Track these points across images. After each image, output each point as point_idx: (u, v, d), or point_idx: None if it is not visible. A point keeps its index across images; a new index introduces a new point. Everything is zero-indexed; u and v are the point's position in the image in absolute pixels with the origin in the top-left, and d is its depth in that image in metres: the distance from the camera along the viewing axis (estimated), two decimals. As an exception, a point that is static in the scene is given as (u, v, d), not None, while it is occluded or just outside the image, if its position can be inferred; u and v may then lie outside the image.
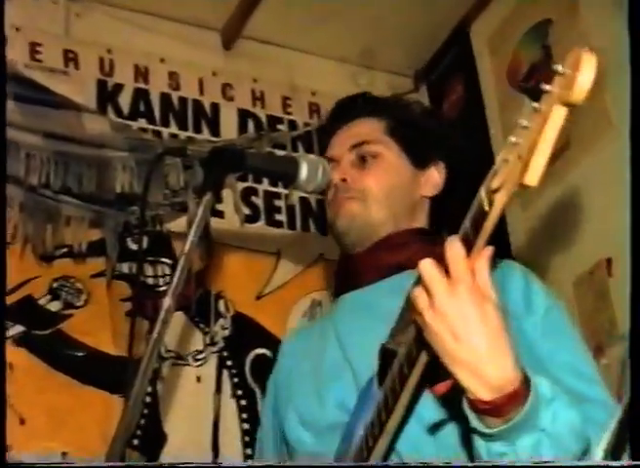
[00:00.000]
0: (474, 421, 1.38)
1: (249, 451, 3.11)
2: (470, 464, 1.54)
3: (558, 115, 1.22)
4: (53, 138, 3.06)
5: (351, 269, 1.91)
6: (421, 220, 1.93)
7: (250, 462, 2.02)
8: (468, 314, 1.34)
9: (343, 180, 1.89)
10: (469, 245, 1.33)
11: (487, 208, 1.29)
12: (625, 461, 0.96)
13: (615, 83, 2.89)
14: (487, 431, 1.37)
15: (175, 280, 1.94)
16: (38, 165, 3.04)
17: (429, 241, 1.86)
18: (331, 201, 1.92)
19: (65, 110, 3.13)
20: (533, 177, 1.25)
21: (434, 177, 1.94)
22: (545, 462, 1.40)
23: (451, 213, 1.95)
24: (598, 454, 1.11)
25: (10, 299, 2.97)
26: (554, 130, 1.23)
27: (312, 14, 3.50)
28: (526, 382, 1.37)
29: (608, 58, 2.91)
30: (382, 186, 1.88)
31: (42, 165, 3.04)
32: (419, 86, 3.80)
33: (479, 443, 1.41)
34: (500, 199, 1.28)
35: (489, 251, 1.36)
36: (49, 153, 3.05)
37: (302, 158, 1.79)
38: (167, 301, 1.93)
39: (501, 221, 3.31)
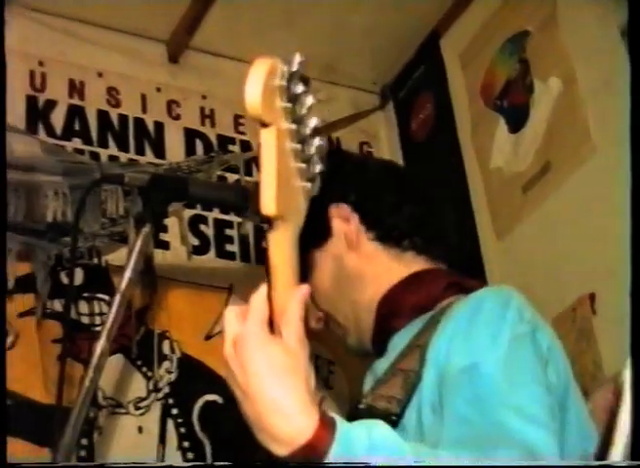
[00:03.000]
0: None
1: (195, 511, 3.10)
2: (469, 464, 1.50)
3: (264, 137, 1.27)
4: None
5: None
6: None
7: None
8: (250, 363, 1.33)
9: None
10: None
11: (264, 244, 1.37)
12: (625, 461, 0.95)
13: (596, 99, 2.92)
14: None
15: (110, 320, 1.93)
16: None
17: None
18: None
19: (-11, 130, 3.11)
20: (266, 206, 1.29)
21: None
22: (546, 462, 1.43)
23: None
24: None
25: None
26: (266, 152, 1.27)
27: (267, 22, 3.50)
28: (331, 429, 1.32)
29: (589, 74, 2.96)
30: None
31: None
32: (385, 103, 3.81)
33: None
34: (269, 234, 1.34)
35: (302, 291, 1.36)
36: None
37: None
38: (101, 344, 1.92)
39: (477, 252, 3.33)
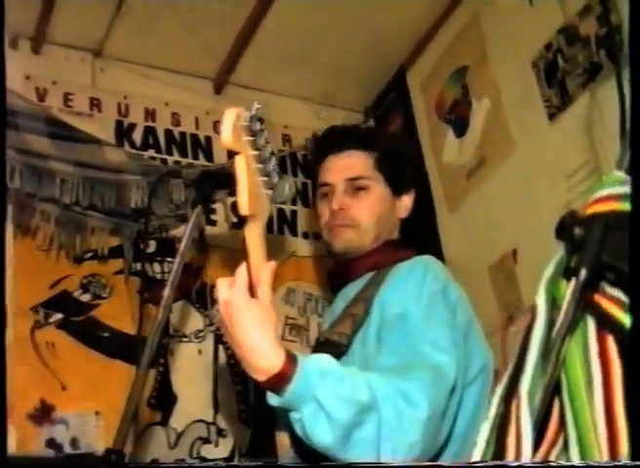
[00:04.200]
0: (267, 397, 1.38)
1: (242, 407, 3.09)
2: (469, 464, 1.51)
3: (236, 162, 1.36)
4: (81, 167, 3.02)
5: (342, 272, 1.91)
6: (395, 234, 1.94)
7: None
8: (237, 319, 1.35)
9: (341, 209, 1.87)
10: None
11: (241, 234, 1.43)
12: (625, 461, 0.89)
13: (515, 111, 2.91)
14: (276, 403, 1.37)
15: (172, 273, 1.94)
16: (70, 187, 2.99)
17: (398, 248, 1.88)
18: (328, 224, 1.90)
19: (91, 144, 3.09)
20: (241, 208, 1.37)
21: (407, 203, 1.95)
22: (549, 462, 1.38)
23: (412, 225, 1.98)
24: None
25: (50, 293, 2.97)
26: (239, 172, 1.35)
27: (286, 63, 3.47)
28: (293, 362, 1.35)
29: (510, 94, 2.94)
30: (372, 216, 1.87)
31: (73, 187, 2.99)
32: (367, 120, 3.77)
33: (284, 414, 1.41)
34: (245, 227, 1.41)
35: (270, 266, 1.40)
36: (78, 178, 3.00)
37: None
38: (167, 291, 1.92)
39: (433, 222, 3.32)
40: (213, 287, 3.16)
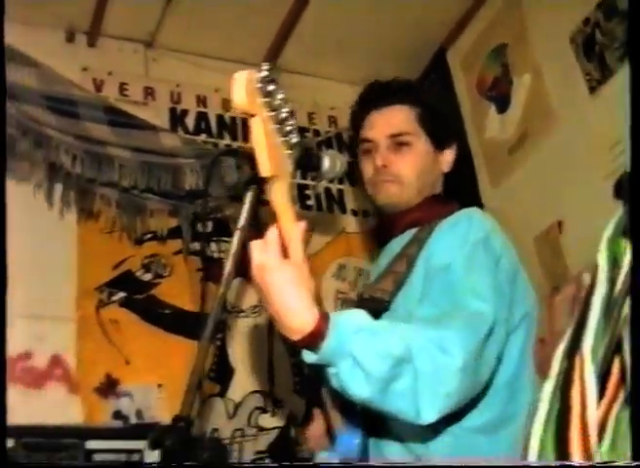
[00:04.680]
0: (303, 355, 1.36)
1: (297, 379, 3.12)
2: (469, 464, 1.48)
3: (253, 124, 1.31)
4: (138, 152, 3.05)
5: (386, 227, 1.85)
6: (438, 188, 1.85)
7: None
8: (270, 280, 1.32)
9: (384, 166, 1.79)
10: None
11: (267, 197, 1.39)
12: (625, 461, 0.86)
13: (556, 86, 2.87)
14: (312, 360, 1.34)
15: (232, 250, 1.94)
16: (128, 172, 3.02)
17: (442, 203, 1.80)
18: (372, 180, 1.83)
19: (147, 131, 3.13)
20: (263, 170, 1.32)
21: (449, 157, 1.85)
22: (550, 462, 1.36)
23: (456, 180, 1.89)
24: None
25: (114, 273, 3.02)
26: (256, 134, 1.30)
27: (326, 49, 3.47)
28: (327, 320, 1.33)
29: (550, 69, 2.91)
30: (414, 171, 1.79)
31: (131, 172, 3.03)
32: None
33: (324, 370, 1.37)
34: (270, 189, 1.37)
35: (300, 226, 1.37)
36: (136, 163, 3.04)
37: (325, 154, 1.69)
38: (227, 267, 1.92)
39: (475, 195, 3.30)
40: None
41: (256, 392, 3.08)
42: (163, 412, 2.80)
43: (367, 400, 1.36)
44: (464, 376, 1.39)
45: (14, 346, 2.73)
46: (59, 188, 2.98)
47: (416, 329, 1.43)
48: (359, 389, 1.34)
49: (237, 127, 3.46)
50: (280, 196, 1.37)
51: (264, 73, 1.30)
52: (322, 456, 1.62)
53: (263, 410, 3.07)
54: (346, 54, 3.51)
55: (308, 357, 1.34)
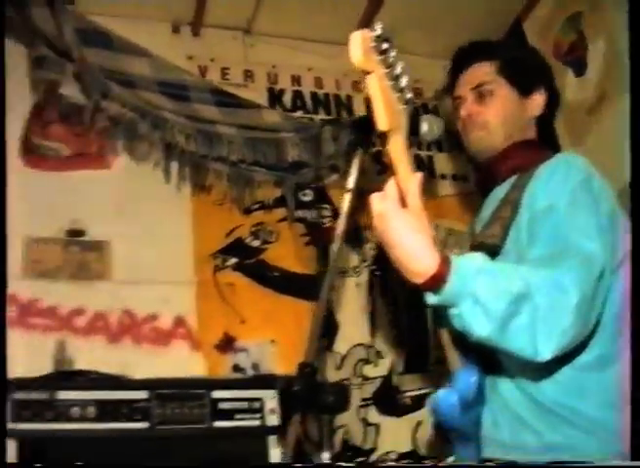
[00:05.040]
0: (426, 298, 1.37)
1: (395, 332, 3.21)
2: (471, 464, 1.53)
3: (369, 81, 1.32)
4: (244, 128, 3.14)
5: (486, 176, 1.87)
6: (531, 134, 1.86)
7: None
8: (392, 228, 1.35)
9: (469, 116, 1.85)
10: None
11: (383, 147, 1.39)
12: (625, 461, 0.84)
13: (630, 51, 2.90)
14: (435, 302, 1.36)
15: (344, 212, 1.88)
16: (236, 147, 3.11)
17: (537, 148, 1.82)
18: (462, 131, 1.90)
19: (250, 109, 3.22)
20: (381, 124, 1.33)
21: (538, 101, 1.87)
22: (553, 462, 1.38)
23: (551, 125, 1.93)
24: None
25: (226, 241, 3.15)
26: (372, 90, 1.32)
27: (411, 26, 3.49)
28: (448, 263, 1.34)
29: (623, 35, 2.92)
30: (498, 116, 1.83)
31: (238, 147, 3.12)
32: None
33: (443, 312, 1.40)
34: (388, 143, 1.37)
35: (417, 176, 1.38)
36: (242, 139, 3.13)
37: (423, 118, 1.71)
38: (340, 225, 1.86)
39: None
40: (364, 227, 3.28)
41: (359, 345, 3.19)
42: (276, 365, 2.94)
43: (487, 338, 1.36)
44: (579, 314, 1.39)
45: (142, 309, 2.91)
46: (175, 165, 3.10)
47: (531, 268, 1.43)
48: (480, 327, 1.35)
49: (330, 102, 3.53)
50: (397, 149, 1.38)
51: (378, 32, 1.31)
52: (441, 392, 1.60)
53: (367, 361, 3.18)
54: (429, 29, 3.55)
55: (431, 299, 1.36)
